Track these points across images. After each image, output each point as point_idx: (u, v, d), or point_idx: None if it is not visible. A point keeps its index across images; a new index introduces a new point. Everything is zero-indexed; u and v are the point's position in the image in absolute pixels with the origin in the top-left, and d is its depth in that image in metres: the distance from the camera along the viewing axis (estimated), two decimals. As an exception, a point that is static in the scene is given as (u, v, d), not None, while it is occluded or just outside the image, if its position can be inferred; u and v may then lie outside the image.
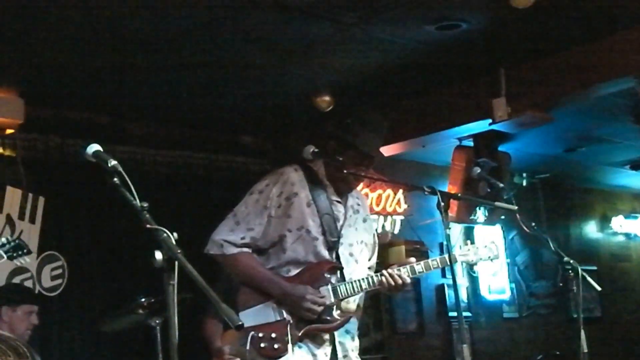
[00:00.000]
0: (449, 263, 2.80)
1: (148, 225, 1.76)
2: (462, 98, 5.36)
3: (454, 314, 6.91)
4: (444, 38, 4.40)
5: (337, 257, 2.84)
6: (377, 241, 3.12)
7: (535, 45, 4.71)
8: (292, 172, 2.88)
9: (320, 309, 2.74)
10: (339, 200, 2.92)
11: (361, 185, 6.19)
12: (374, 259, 3.08)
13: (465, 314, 6.93)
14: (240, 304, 2.77)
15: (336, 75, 4.89)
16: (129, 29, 3.99)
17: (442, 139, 5.84)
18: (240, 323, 1.75)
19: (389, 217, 6.57)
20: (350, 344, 2.86)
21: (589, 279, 3.49)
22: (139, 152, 5.55)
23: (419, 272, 2.87)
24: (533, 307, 7.93)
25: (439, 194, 2.67)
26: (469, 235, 7.27)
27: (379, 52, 4.59)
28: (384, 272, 2.84)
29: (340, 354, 2.80)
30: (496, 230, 7.48)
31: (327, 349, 2.80)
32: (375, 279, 2.82)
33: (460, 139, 5.92)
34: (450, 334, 6.98)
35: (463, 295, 7.15)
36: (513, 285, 7.71)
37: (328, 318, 2.76)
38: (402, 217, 6.63)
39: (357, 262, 2.91)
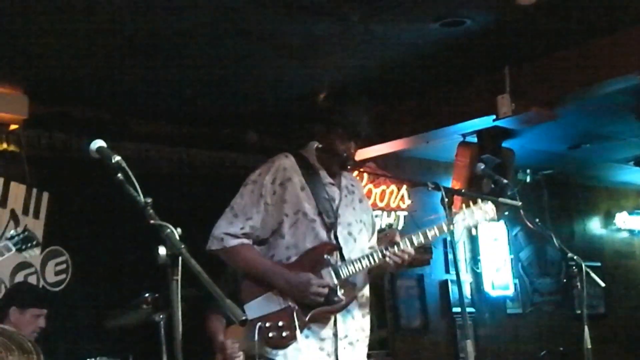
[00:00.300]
0: (446, 229, 2.82)
1: (152, 221, 1.77)
2: (466, 94, 5.36)
3: (458, 310, 6.92)
4: (448, 35, 4.40)
5: (336, 237, 2.84)
6: (375, 222, 3.13)
7: (539, 42, 4.71)
8: (283, 158, 2.90)
9: (326, 291, 2.73)
10: (332, 182, 2.94)
11: (365, 180, 6.41)
12: (374, 239, 3.07)
13: (469, 310, 6.95)
14: (243, 297, 2.78)
15: (339, 73, 4.89)
16: (132, 26, 4.00)
17: (446, 135, 5.84)
18: (244, 318, 1.76)
19: (392, 213, 6.57)
20: (352, 323, 2.85)
21: (593, 275, 3.49)
22: (143, 148, 5.56)
23: (419, 243, 2.86)
24: (537, 303, 7.94)
25: (442, 189, 2.67)
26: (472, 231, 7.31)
27: (382, 49, 4.60)
28: (385, 249, 2.82)
29: (341, 334, 2.80)
30: (500, 227, 7.51)
31: (332, 330, 2.80)
32: (376, 255, 2.82)
33: (464, 135, 5.93)
34: (454, 330, 6.99)
35: (467, 291, 7.15)
36: (517, 281, 7.71)
37: (335, 299, 2.76)
38: (405, 213, 6.63)
39: (356, 241, 2.92)
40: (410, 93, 5.57)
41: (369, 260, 2.82)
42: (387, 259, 2.80)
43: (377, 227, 3.19)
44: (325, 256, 2.80)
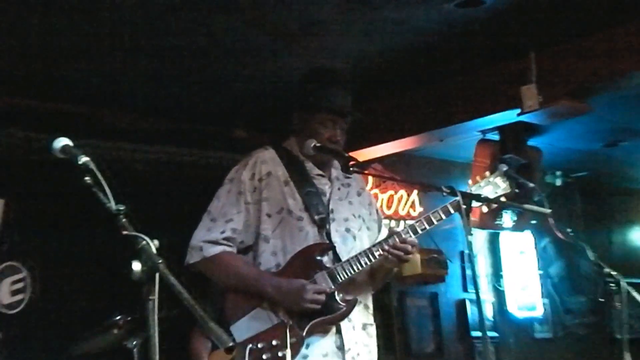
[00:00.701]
0: (452, 210, 2.82)
1: (125, 232, 1.77)
2: (486, 85, 5.37)
3: (478, 333, 6.92)
4: (465, 17, 4.41)
5: (328, 235, 2.87)
6: (381, 217, 3.17)
7: (570, 24, 4.69)
8: (262, 151, 2.96)
9: (323, 298, 2.74)
10: (321, 173, 2.98)
11: (370, 184, 6.40)
12: (382, 235, 3.06)
13: (490, 333, 6.95)
14: (229, 315, 2.80)
15: (341, 61, 4.90)
16: (104, 5, 3.98)
17: (463, 132, 5.85)
18: (230, 345, 1.77)
19: (401, 222, 6.59)
20: (355, 334, 2.85)
21: (634, 293, 3.49)
22: (116, 147, 5.59)
23: (422, 230, 2.85)
24: (569, 326, 7.97)
25: (459, 195, 2.68)
26: (493, 242, 7.31)
27: (389, 34, 4.62)
28: (383, 243, 2.82)
29: (347, 345, 2.80)
30: (526, 237, 7.52)
31: (336, 342, 2.80)
32: (374, 250, 2.81)
33: (483, 132, 5.94)
34: (473, 357, 7.00)
35: (488, 312, 7.17)
36: (546, 300, 7.75)
37: (333, 307, 2.77)
38: None
39: (356, 239, 2.94)
40: (422, 84, 5.57)
41: (367, 257, 2.81)
42: (388, 249, 2.80)
43: (384, 225, 3.18)
44: (318, 258, 2.82)
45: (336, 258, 2.85)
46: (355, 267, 2.80)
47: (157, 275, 1.72)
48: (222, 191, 2.93)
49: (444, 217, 2.86)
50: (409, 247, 2.82)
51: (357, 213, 3.01)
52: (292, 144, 3.01)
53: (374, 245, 2.84)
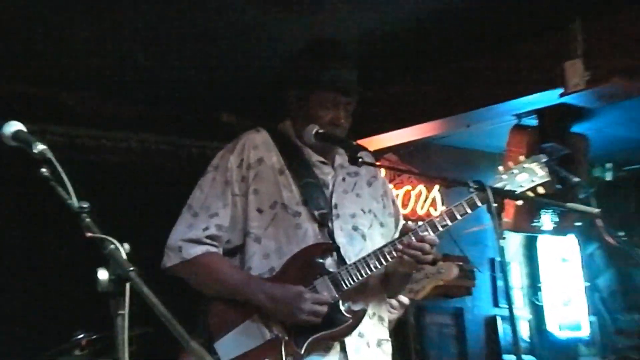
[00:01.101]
0: (479, 203, 2.79)
1: (89, 234, 1.77)
2: (522, 61, 5.36)
3: (511, 357, 6.92)
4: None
5: (331, 234, 2.87)
6: (399, 210, 3.19)
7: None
8: (253, 133, 2.97)
9: (324, 309, 2.74)
10: (323, 160, 2.99)
11: (382, 173, 6.39)
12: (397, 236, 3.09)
13: (526, 357, 6.97)
14: (214, 330, 2.80)
15: (348, 35, 4.89)
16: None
17: (494, 117, 5.87)
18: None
19: (420, 223, 6.55)
20: (367, 352, 2.85)
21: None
22: (78, 133, 5.62)
23: (443, 226, 2.84)
24: (621, 349, 7.83)
25: (489, 191, 2.66)
26: (530, 248, 7.29)
27: (407, 4, 4.64)
28: (396, 242, 2.82)
29: None
30: (569, 243, 7.52)
31: (339, 358, 2.80)
32: (386, 250, 2.80)
33: (519, 116, 5.96)
34: (505, 385, 7.08)
35: (523, 331, 7.18)
36: (593, 318, 7.72)
37: (336, 319, 2.77)
38: None
39: (366, 238, 2.94)
40: (446, 60, 5.57)
41: (377, 259, 2.80)
42: (402, 253, 2.78)
43: (401, 217, 3.19)
44: (319, 260, 2.82)
45: (341, 261, 2.85)
46: (363, 272, 2.79)
47: (127, 285, 1.71)
48: (206, 180, 2.93)
49: (469, 211, 2.84)
50: (427, 247, 2.79)
51: (366, 207, 3.01)
52: (288, 127, 3.03)
53: (385, 245, 2.82)
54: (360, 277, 2.79)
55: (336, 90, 2.90)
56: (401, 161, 6.14)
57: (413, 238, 2.78)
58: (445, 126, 5.96)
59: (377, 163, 4.59)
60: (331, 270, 2.81)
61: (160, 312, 1.69)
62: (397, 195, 6.49)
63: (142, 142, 5.92)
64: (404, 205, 6.52)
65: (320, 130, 2.88)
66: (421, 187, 6.67)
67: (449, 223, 2.83)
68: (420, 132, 5.99)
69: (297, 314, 2.72)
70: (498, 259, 6.63)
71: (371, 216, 3.01)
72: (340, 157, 3.03)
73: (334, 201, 2.93)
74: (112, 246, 1.74)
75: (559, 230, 6.46)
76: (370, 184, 3.08)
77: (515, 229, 6.16)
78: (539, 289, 7.43)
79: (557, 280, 7.50)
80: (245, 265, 2.87)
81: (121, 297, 1.72)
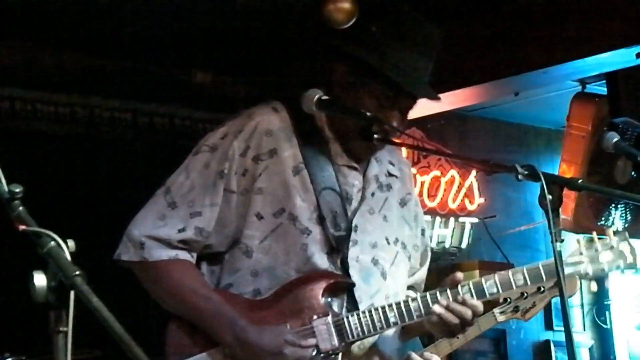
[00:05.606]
0: (544, 277, 2.83)
1: (22, 227, 1.73)
2: (587, 11, 5.36)
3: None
4: None
5: (344, 265, 2.84)
6: (428, 243, 3.20)
7: None
8: (269, 113, 2.90)
9: None
10: (354, 165, 2.94)
11: (404, 154, 6.37)
12: (423, 273, 3.13)
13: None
14: (170, 350, 2.82)
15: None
16: None
17: (550, 82, 5.96)
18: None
19: (451, 220, 6.64)
20: None
21: None
22: (9, 95, 5.63)
23: (491, 294, 2.86)
24: None
25: (543, 179, 2.56)
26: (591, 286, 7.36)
27: None
28: (430, 297, 2.81)
29: None
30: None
31: None
32: (413, 307, 2.80)
33: (582, 83, 6.16)
34: None
35: (584, 360, 7.33)
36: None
37: None
38: (475, 220, 6.74)
39: (386, 277, 2.92)
40: (485, 9, 5.63)
41: (400, 314, 2.79)
42: (436, 313, 2.77)
43: (429, 254, 3.21)
44: (324, 299, 2.79)
45: (351, 301, 2.83)
46: (378, 325, 2.78)
47: (71, 293, 1.67)
48: (196, 163, 2.86)
49: (529, 284, 2.89)
50: (469, 314, 2.78)
51: (393, 236, 2.97)
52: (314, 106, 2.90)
53: (414, 298, 2.82)
54: (372, 331, 2.78)
55: (401, 85, 2.81)
56: (429, 138, 6.11)
57: (451, 298, 2.79)
58: (487, 93, 6.00)
59: (398, 141, 4.49)
60: (337, 312, 2.81)
61: (113, 329, 1.63)
62: (423, 183, 6.56)
63: (91, 107, 5.91)
64: (431, 196, 6.58)
65: (324, 97, 2.80)
66: (453, 173, 6.74)
67: (499, 290, 2.87)
68: (454, 101, 5.91)
69: None
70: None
71: (398, 248, 2.98)
72: (378, 165, 3.00)
73: (354, 222, 2.88)
74: (52, 243, 1.69)
75: (633, 230, 6.13)
76: (404, 203, 3.05)
77: (577, 229, 6.11)
78: (607, 307, 7.51)
79: (630, 296, 7.56)
80: (224, 280, 2.86)
81: (63, 309, 1.69)
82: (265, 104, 2.94)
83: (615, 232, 3.01)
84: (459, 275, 2.86)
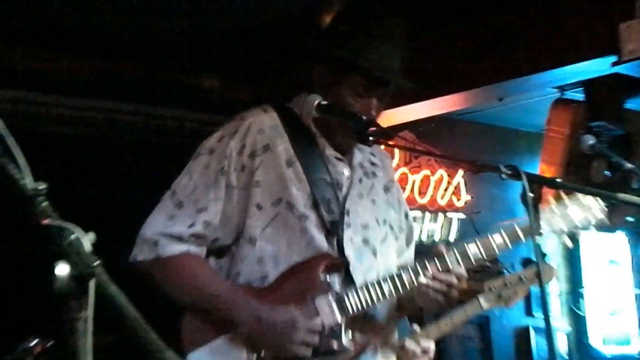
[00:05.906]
0: (522, 236, 2.86)
1: (46, 221, 1.70)
2: (567, 21, 5.34)
3: (547, 376, 7.01)
4: None
5: (340, 246, 2.88)
6: (412, 224, 3.24)
7: None
8: (260, 114, 2.95)
9: (317, 340, 2.76)
10: (340, 157, 3.00)
11: (396, 160, 6.32)
12: (409, 254, 3.15)
13: (564, 376, 7.10)
14: (186, 342, 2.81)
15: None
16: None
17: (532, 88, 5.94)
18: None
19: (440, 215, 6.67)
20: None
21: None
22: (29, 99, 5.67)
23: (476, 260, 2.88)
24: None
25: (524, 178, 2.62)
26: (572, 247, 7.31)
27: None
28: (421, 266, 2.86)
29: None
30: (618, 241, 7.59)
31: None
32: (405, 276, 2.85)
33: (562, 89, 6.06)
34: (541, 407, 7.16)
35: (561, 345, 7.21)
36: (646, 331, 7.83)
37: (334, 349, 2.79)
38: (462, 216, 6.76)
39: (377, 255, 2.97)
40: (472, 18, 5.59)
41: (394, 285, 2.85)
42: (424, 282, 2.83)
43: (415, 237, 3.26)
44: (323, 277, 2.83)
45: (348, 279, 2.87)
46: (375, 297, 2.84)
47: (91, 283, 1.67)
48: (197, 165, 2.92)
49: (509, 245, 2.91)
50: (454, 280, 2.85)
51: (381, 217, 3.04)
52: (303, 107, 2.98)
53: (405, 269, 2.87)
54: (370, 303, 2.83)
55: (373, 79, 2.90)
56: (419, 140, 6.17)
57: (439, 265, 2.84)
58: (473, 99, 6.00)
59: (391, 142, 4.65)
60: (336, 289, 2.84)
61: (130, 316, 1.69)
62: (414, 182, 6.57)
63: (107, 110, 5.93)
64: (422, 193, 6.57)
65: (324, 102, 2.88)
66: (442, 172, 6.74)
67: (483, 254, 2.89)
68: (443, 106, 6.04)
69: (286, 345, 2.74)
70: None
71: (386, 228, 3.05)
72: (361, 154, 3.07)
73: (346, 206, 2.94)
74: (73, 236, 1.68)
75: (608, 226, 6.37)
76: (387, 189, 3.12)
77: (554, 224, 6.26)
78: (581, 295, 7.50)
79: (603, 285, 7.53)
80: (232, 269, 2.88)
81: (83, 297, 1.67)
82: (256, 107, 2.98)
83: (590, 193, 3.03)
84: (441, 246, 2.89)
